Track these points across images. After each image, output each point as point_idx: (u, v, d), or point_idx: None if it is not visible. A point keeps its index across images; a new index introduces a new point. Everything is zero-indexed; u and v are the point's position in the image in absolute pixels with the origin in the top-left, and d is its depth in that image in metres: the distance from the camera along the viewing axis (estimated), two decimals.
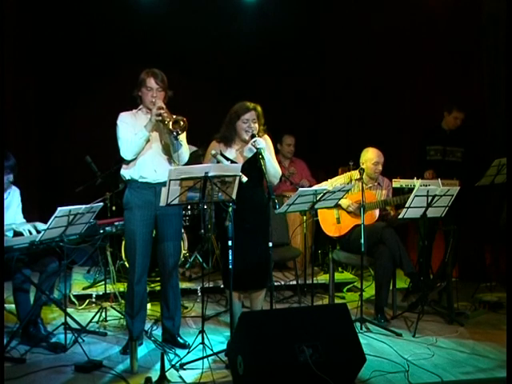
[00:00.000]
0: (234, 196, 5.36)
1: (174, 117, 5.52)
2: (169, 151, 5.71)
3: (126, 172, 5.72)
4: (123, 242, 7.17)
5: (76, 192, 6.97)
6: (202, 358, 5.36)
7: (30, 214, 6.41)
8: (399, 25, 8.53)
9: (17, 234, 5.99)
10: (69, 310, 6.36)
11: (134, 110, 5.79)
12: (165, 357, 5.08)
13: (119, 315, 6.63)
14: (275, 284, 7.04)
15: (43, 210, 5.97)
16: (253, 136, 5.67)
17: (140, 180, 5.67)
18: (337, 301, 7.15)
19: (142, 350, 5.71)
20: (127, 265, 6.73)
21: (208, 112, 6.51)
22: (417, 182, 6.73)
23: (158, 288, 6.23)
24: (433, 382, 5.15)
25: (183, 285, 7.10)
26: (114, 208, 7.35)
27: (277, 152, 6.49)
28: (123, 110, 5.77)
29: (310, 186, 7.42)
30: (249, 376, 4.80)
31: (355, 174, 6.87)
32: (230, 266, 5.41)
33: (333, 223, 6.91)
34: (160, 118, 5.53)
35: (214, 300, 7.23)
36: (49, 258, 6.01)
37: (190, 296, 7.30)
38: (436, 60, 8.26)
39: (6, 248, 5.70)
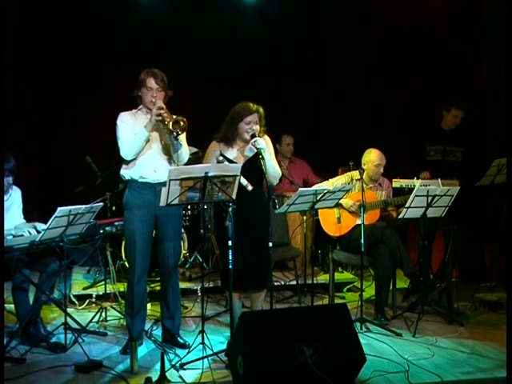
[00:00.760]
0: (234, 196, 5.37)
1: (174, 117, 5.53)
2: (169, 151, 5.71)
3: (126, 172, 5.72)
4: (123, 242, 7.18)
5: (76, 192, 6.98)
6: (202, 358, 5.37)
7: (30, 214, 6.43)
8: (399, 25, 8.54)
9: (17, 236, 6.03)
10: (69, 309, 6.36)
11: (134, 110, 5.79)
12: (165, 357, 5.09)
13: (119, 315, 6.64)
14: (275, 284, 7.05)
15: (43, 210, 5.98)
16: (253, 136, 5.68)
17: (140, 180, 5.68)
18: (337, 301, 7.16)
19: (142, 350, 5.72)
20: (127, 265, 6.75)
21: (208, 112, 6.52)
22: (417, 182, 6.75)
23: (158, 288, 6.24)
24: (433, 381, 5.16)
25: (183, 285, 7.11)
26: (113, 208, 7.37)
27: (276, 152, 6.48)
28: (123, 109, 5.77)
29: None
30: (249, 376, 4.81)
31: (356, 173, 6.88)
32: (230, 266, 5.42)
33: (333, 223, 6.92)
34: (160, 118, 5.54)
35: (214, 300, 7.24)
36: (49, 258, 6.03)
37: (189, 296, 7.31)
38: (436, 60, 8.27)
39: (6, 248, 5.73)
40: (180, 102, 5.71)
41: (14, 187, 6.27)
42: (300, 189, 6.02)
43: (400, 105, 8.58)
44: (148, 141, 5.64)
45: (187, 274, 7.77)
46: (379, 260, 6.63)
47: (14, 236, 5.93)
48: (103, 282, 7.13)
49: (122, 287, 6.95)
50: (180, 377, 5.16)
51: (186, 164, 5.73)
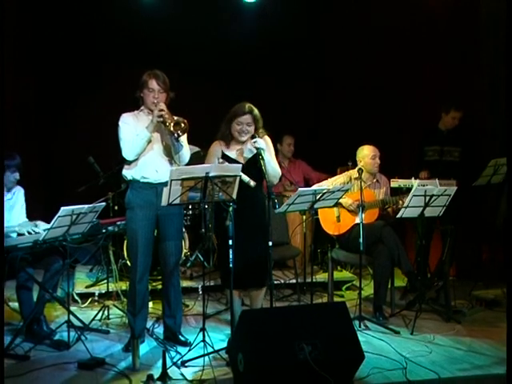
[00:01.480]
0: (234, 196, 5.40)
1: (176, 118, 5.54)
2: (170, 152, 5.74)
3: (128, 172, 5.75)
4: (125, 241, 7.18)
5: (78, 192, 6.98)
6: (203, 355, 5.41)
7: (33, 214, 6.45)
8: (399, 25, 8.50)
9: (20, 233, 6.09)
10: (72, 308, 6.37)
11: (136, 111, 5.81)
12: (166, 354, 5.12)
13: (121, 313, 6.66)
14: (275, 282, 7.03)
15: (46, 210, 6.01)
16: (253, 137, 5.71)
17: (142, 180, 5.70)
18: (336, 299, 7.16)
19: (143, 348, 5.74)
20: (129, 263, 6.74)
21: (208, 112, 6.54)
22: (415, 182, 6.75)
23: (160, 286, 6.24)
24: (430, 378, 5.19)
25: (184, 283, 7.12)
26: (116, 208, 7.35)
27: (276, 152, 6.53)
28: (125, 110, 5.79)
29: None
30: (249, 373, 4.85)
31: (354, 173, 6.90)
32: (231, 265, 5.45)
33: (333, 222, 6.94)
34: (161, 119, 5.56)
35: (214, 298, 7.24)
36: (52, 257, 6.06)
37: (191, 294, 7.30)
38: (436, 60, 8.25)
39: (10, 247, 5.78)
40: (181, 102, 5.73)
41: (18, 186, 6.32)
42: (299, 189, 6.04)
43: (399, 105, 8.56)
44: (149, 141, 5.66)
45: (188, 272, 7.78)
46: (378, 259, 6.66)
47: (17, 233, 5.99)
48: (106, 281, 7.15)
49: (124, 286, 6.94)
50: (181, 374, 5.19)
51: (187, 163, 5.77)
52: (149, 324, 6.13)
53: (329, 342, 4.98)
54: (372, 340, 6.02)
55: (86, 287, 7.44)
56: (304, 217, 6.82)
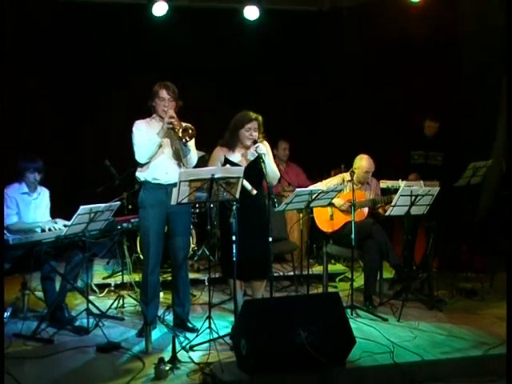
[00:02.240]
0: (237, 196, 5.40)
1: (184, 125, 5.56)
2: (179, 156, 5.74)
3: (141, 174, 5.76)
4: (138, 237, 7.13)
5: (96, 192, 6.98)
6: (209, 340, 5.42)
7: (56, 211, 6.49)
8: (390, 44, 8.39)
9: (43, 229, 6.11)
10: (90, 297, 6.39)
11: (148, 119, 5.82)
12: (176, 339, 5.13)
13: (135, 302, 6.66)
14: (274, 275, 6.96)
15: (68, 208, 6.01)
16: (255, 142, 5.70)
17: (153, 181, 5.71)
18: (330, 290, 7.16)
19: (155, 334, 5.74)
20: (142, 257, 6.71)
21: (213, 120, 6.53)
22: (402, 183, 6.75)
23: (170, 278, 6.21)
24: (415, 361, 5.21)
25: (192, 275, 7.04)
26: (130, 206, 7.31)
27: (273, 157, 6.51)
28: (138, 118, 5.80)
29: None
30: (251, 357, 4.86)
31: (347, 175, 6.88)
32: (234, 259, 5.45)
33: (326, 220, 6.93)
34: (171, 126, 5.57)
35: (219, 289, 7.20)
36: (73, 251, 6.10)
37: (198, 285, 7.29)
38: (421, 74, 8.25)
39: (35, 242, 5.84)
40: (188, 111, 5.76)
41: (43, 188, 6.35)
42: (297, 189, 6.02)
43: (388, 114, 8.50)
44: (160, 146, 5.66)
45: (195, 265, 7.76)
46: (368, 253, 6.67)
47: (41, 229, 6.03)
48: (121, 273, 7.21)
49: (137, 277, 6.97)
50: (189, 357, 5.19)
51: (194, 167, 5.76)
52: (160, 312, 6.11)
53: (323, 329, 4.99)
54: (362, 326, 6.01)
55: (103, 278, 7.45)
56: (301, 215, 6.81)
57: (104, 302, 6.72)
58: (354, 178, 6.74)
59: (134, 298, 6.78)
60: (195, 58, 8.80)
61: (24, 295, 6.28)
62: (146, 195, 5.77)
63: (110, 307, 6.51)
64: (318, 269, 7.68)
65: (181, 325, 5.89)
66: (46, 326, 5.85)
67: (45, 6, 8.12)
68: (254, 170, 5.72)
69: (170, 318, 6.09)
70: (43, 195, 6.37)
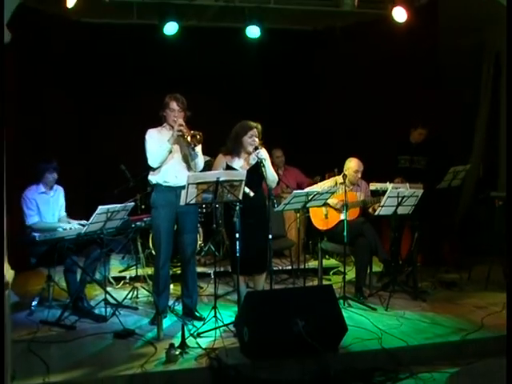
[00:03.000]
0: (240, 197, 5.41)
1: (192, 132, 5.59)
2: (187, 160, 5.76)
3: (153, 177, 5.78)
4: (150, 235, 7.16)
5: (113, 194, 6.98)
6: (215, 328, 5.44)
7: (76, 212, 6.53)
8: (378, 60, 8.30)
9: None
10: (108, 288, 6.40)
11: (160, 127, 5.84)
12: (185, 327, 5.16)
13: (148, 293, 6.66)
14: (274, 269, 6.97)
15: (88, 208, 6.03)
16: (256, 148, 5.72)
17: (164, 184, 5.73)
18: (324, 282, 7.16)
19: (166, 322, 5.76)
20: (154, 253, 6.73)
21: (217, 128, 6.52)
22: (389, 186, 6.75)
23: (179, 271, 6.23)
24: (400, 346, 5.24)
25: (199, 269, 7.02)
26: (143, 207, 7.30)
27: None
28: (150, 126, 5.82)
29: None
30: (253, 343, 4.89)
31: (339, 178, 6.86)
32: (238, 254, 5.47)
33: (321, 219, 6.92)
34: (180, 133, 5.60)
35: (224, 282, 7.17)
36: (92, 247, 6.14)
37: (204, 278, 7.26)
38: (406, 86, 8.23)
39: (58, 239, 5.89)
40: (195, 121, 5.76)
41: (58, 186, 6.40)
42: (294, 191, 6.05)
43: (376, 122, 8.46)
44: (170, 152, 5.69)
45: (202, 260, 7.74)
46: (359, 249, 6.67)
47: (63, 229, 6.07)
48: (135, 267, 7.18)
49: (149, 271, 6.96)
50: (197, 343, 5.22)
51: (201, 171, 5.79)
52: (170, 302, 6.12)
53: (318, 317, 5.01)
54: (354, 315, 6.02)
55: (119, 272, 7.45)
56: (298, 214, 6.78)
57: (120, 293, 6.72)
58: (347, 179, 6.74)
59: (146, 290, 6.78)
60: (202, 73, 8.77)
61: (49, 286, 6.30)
62: (157, 196, 5.79)
63: (125, 298, 6.52)
64: (313, 263, 7.66)
65: (189, 314, 5.90)
66: (69, 314, 5.88)
67: (68, 27, 8.13)
68: (255, 173, 5.72)
69: (179, 307, 6.09)
70: (59, 192, 6.42)
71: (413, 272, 6.86)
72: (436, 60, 8.15)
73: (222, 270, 7.01)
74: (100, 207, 5.64)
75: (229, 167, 5.79)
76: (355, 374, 4.89)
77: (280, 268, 7.64)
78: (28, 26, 6.80)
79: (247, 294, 5.30)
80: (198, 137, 5.58)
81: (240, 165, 5.82)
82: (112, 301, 6.18)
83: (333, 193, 6.38)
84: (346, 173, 6.83)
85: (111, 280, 7.23)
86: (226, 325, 5.55)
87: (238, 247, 5.46)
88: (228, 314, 5.94)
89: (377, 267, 7.31)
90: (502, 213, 7.08)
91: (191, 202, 5.28)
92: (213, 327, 5.47)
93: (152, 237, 6.92)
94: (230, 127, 5.97)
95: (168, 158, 5.70)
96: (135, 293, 6.69)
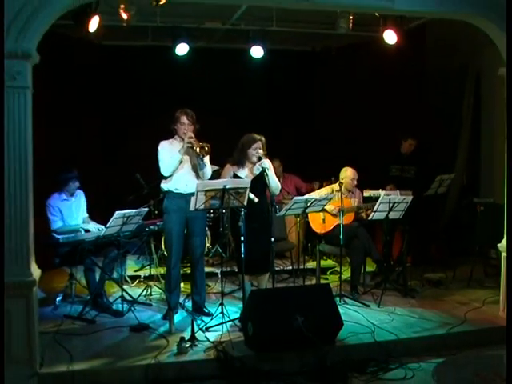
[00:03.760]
0: (245, 203, 5.41)
1: (201, 144, 5.62)
2: (196, 170, 5.79)
3: (165, 185, 5.80)
4: (163, 237, 7.11)
5: (129, 200, 7.00)
6: (222, 323, 5.45)
7: (97, 215, 6.55)
8: (371, 80, 8.35)
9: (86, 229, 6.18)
10: (124, 286, 6.42)
11: (171, 139, 5.87)
12: (194, 322, 5.18)
13: (160, 291, 6.68)
14: (276, 269, 6.96)
15: (106, 213, 6.04)
16: (260, 159, 5.73)
17: (175, 191, 5.75)
18: (322, 281, 7.14)
19: (177, 317, 5.77)
20: (166, 254, 6.72)
21: (224, 140, 6.53)
22: (381, 193, 6.74)
23: (189, 271, 6.23)
24: (392, 339, 5.26)
25: (207, 269, 6.98)
26: (156, 212, 7.30)
27: None
28: (162, 138, 5.85)
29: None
30: (256, 337, 4.91)
31: (336, 186, 6.87)
32: (242, 256, 5.48)
33: (319, 223, 6.90)
34: (190, 144, 5.63)
35: (230, 280, 7.15)
36: (110, 248, 6.15)
37: (212, 277, 7.27)
38: (396, 102, 8.24)
39: (79, 241, 5.94)
40: (204, 134, 5.78)
41: (79, 191, 6.41)
42: (295, 198, 6.05)
43: (369, 134, 8.43)
44: (181, 162, 5.71)
45: (210, 261, 7.73)
46: (353, 250, 6.67)
47: (84, 230, 6.14)
48: (149, 267, 7.21)
49: (162, 270, 6.95)
50: (205, 337, 5.23)
51: (209, 179, 5.79)
52: (181, 299, 6.14)
53: (317, 314, 5.02)
54: (349, 312, 6.01)
55: (135, 271, 7.45)
56: (298, 219, 6.79)
57: (135, 291, 6.73)
58: (343, 187, 6.75)
59: (159, 288, 6.80)
60: (210, 89, 8.81)
61: (71, 284, 6.32)
62: (169, 202, 5.80)
63: (140, 295, 6.55)
64: (312, 264, 7.63)
65: (198, 310, 5.91)
66: (89, 309, 5.92)
67: (91, 49, 8.18)
68: (259, 182, 5.73)
69: (189, 304, 6.11)
70: (80, 197, 6.44)
71: (403, 272, 6.87)
72: (423, 78, 8.19)
73: (228, 269, 7.01)
74: (117, 212, 5.66)
75: (236, 176, 5.79)
76: (351, 364, 4.89)
77: (281, 268, 7.62)
78: (55, 49, 6.83)
79: (251, 292, 5.31)
80: (206, 148, 5.61)
81: (245, 174, 5.82)
82: (128, 297, 6.19)
83: (330, 199, 6.38)
84: (342, 181, 6.84)
85: (127, 278, 7.23)
86: (232, 320, 5.55)
87: (242, 249, 5.47)
88: (234, 311, 5.92)
89: (370, 267, 7.30)
90: (483, 217, 7.10)
91: (200, 208, 5.29)
92: (220, 322, 5.47)
93: (164, 239, 6.89)
94: (235, 139, 5.97)
95: (179, 167, 5.72)
96: (149, 290, 6.70)
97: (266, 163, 5.73)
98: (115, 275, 6.49)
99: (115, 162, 8.81)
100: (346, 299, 6.40)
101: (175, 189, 5.75)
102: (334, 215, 6.84)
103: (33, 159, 4.60)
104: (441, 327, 5.55)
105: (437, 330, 5.49)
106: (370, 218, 6.39)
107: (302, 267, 6.96)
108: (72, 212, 6.31)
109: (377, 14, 6.50)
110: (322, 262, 7.52)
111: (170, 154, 5.70)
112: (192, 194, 5.32)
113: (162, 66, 8.57)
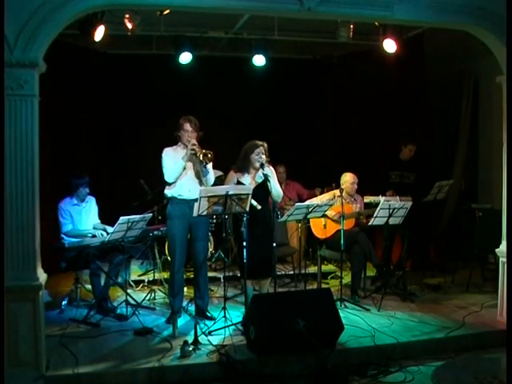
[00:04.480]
0: (247, 209, 5.43)
1: (204, 151, 5.62)
2: (199, 176, 5.79)
3: (169, 191, 5.81)
4: (166, 242, 7.14)
5: (133, 206, 7.01)
6: (224, 327, 5.44)
7: (103, 221, 6.56)
8: (371, 87, 8.33)
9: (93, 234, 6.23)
10: (128, 290, 6.43)
11: (175, 146, 5.87)
12: (197, 326, 5.19)
13: (164, 295, 6.68)
14: (278, 273, 6.95)
15: (111, 218, 6.07)
16: (262, 165, 5.73)
17: (178, 197, 5.76)
18: (323, 286, 7.11)
19: (180, 321, 5.77)
20: (169, 259, 6.73)
21: (227, 147, 6.54)
22: (381, 199, 6.75)
23: (192, 276, 6.23)
24: (391, 343, 5.26)
25: (210, 274, 6.97)
26: (159, 217, 7.30)
27: None
28: (166, 145, 5.86)
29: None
30: (258, 340, 4.91)
31: (337, 192, 6.87)
32: (245, 261, 5.48)
33: (320, 228, 6.90)
34: (193, 151, 5.63)
35: (232, 285, 7.21)
36: (114, 253, 6.16)
37: (215, 282, 7.26)
38: (396, 109, 8.26)
39: (85, 246, 5.96)
40: (208, 141, 5.80)
41: (90, 196, 6.43)
42: (296, 204, 6.07)
43: (370, 141, 8.47)
44: (184, 169, 5.72)
45: (213, 265, 7.74)
46: (354, 255, 6.68)
47: (91, 236, 6.16)
48: (152, 271, 7.22)
49: (165, 275, 6.97)
50: (208, 340, 5.23)
51: (212, 185, 5.79)
52: (184, 303, 6.14)
53: (318, 318, 5.02)
54: (349, 316, 6.01)
55: (139, 276, 7.47)
56: (299, 224, 6.80)
57: (139, 295, 6.74)
58: (344, 192, 6.76)
59: (163, 292, 6.80)
60: (213, 97, 8.82)
61: (77, 288, 6.35)
62: (172, 208, 5.81)
63: (144, 299, 6.55)
64: (313, 269, 7.63)
65: (201, 314, 5.90)
66: (94, 313, 5.93)
67: (96, 58, 8.22)
68: (262, 188, 5.74)
69: (192, 308, 6.11)
70: (91, 202, 6.46)
71: (403, 276, 6.86)
72: (422, 86, 8.19)
73: (230, 274, 7.02)
74: (121, 218, 5.67)
75: (239, 183, 5.80)
76: (351, 368, 4.89)
77: (283, 273, 7.63)
78: (61, 58, 6.88)
79: (253, 297, 5.32)
80: (210, 155, 5.61)
81: (248, 182, 5.82)
82: (132, 302, 6.20)
83: (331, 205, 6.39)
84: (343, 186, 6.87)
85: (131, 283, 7.22)
86: (235, 324, 5.56)
87: (245, 254, 5.48)
88: (236, 315, 5.93)
89: (370, 272, 7.30)
90: (481, 223, 7.11)
91: (203, 214, 5.30)
92: (222, 326, 5.47)
93: (168, 244, 6.93)
94: (238, 146, 5.99)
95: (182, 174, 5.73)
96: (153, 295, 6.70)
97: (268, 170, 5.74)
98: (120, 280, 6.50)
99: (120, 169, 8.83)
100: (347, 303, 6.40)
101: (178, 195, 5.76)
102: (335, 221, 6.85)
103: (39, 166, 4.64)
104: (440, 331, 5.55)
105: (436, 334, 5.49)
106: (370, 223, 6.40)
107: (303, 272, 6.95)
108: (81, 217, 6.33)
109: (376, 24, 6.54)
110: (323, 267, 7.50)
111: (173, 160, 5.71)
112: (195, 200, 5.33)
113: (165, 74, 8.59)
